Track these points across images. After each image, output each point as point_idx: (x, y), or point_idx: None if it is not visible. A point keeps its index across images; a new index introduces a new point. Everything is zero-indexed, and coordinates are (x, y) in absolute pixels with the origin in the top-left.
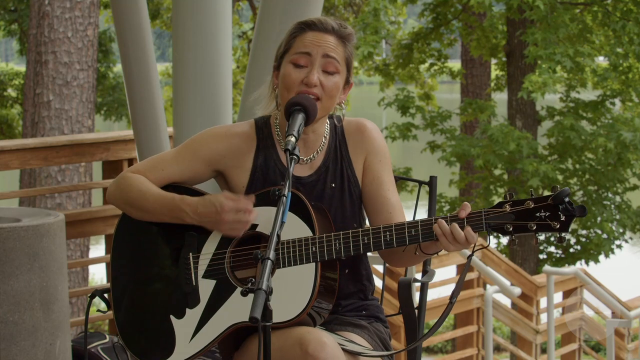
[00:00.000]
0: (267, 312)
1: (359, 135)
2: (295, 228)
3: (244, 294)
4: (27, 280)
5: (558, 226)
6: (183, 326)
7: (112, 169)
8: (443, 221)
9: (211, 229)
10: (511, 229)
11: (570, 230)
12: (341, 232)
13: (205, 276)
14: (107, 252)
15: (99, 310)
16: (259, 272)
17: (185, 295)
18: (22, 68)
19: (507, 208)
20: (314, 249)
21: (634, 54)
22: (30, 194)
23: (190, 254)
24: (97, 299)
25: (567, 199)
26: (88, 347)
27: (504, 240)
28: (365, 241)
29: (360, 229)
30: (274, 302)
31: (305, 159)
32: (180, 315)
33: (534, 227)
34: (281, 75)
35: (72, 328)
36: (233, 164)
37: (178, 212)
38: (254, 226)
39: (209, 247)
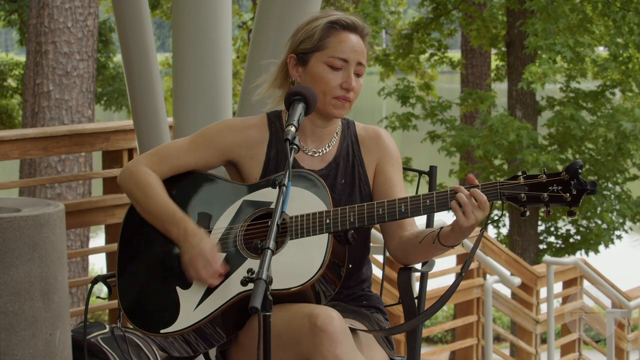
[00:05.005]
0: (267, 302)
1: (374, 141)
2: (312, 204)
3: (243, 283)
4: (27, 271)
5: (570, 199)
6: (189, 296)
7: (112, 159)
8: (463, 188)
9: (182, 262)
10: (525, 198)
11: (580, 204)
12: (356, 205)
13: None
14: (107, 242)
15: (98, 297)
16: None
17: None
18: (22, 58)
19: (521, 180)
20: (327, 220)
21: (634, 44)
22: (30, 184)
23: (202, 229)
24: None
25: (580, 171)
26: (87, 337)
27: (504, 230)
28: (380, 212)
29: (375, 202)
30: (284, 269)
31: (317, 151)
32: (186, 286)
33: (547, 198)
34: (314, 75)
35: (72, 318)
36: (247, 155)
37: (170, 227)
38: (268, 203)
39: (222, 222)
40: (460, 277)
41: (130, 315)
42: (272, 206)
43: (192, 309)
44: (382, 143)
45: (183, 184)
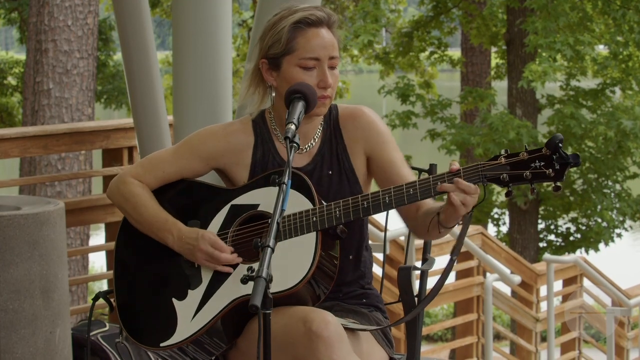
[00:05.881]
0: (267, 300)
1: (354, 123)
2: (297, 203)
3: (243, 281)
4: (27, 269)
5: (553, 174)
6: (185, 307)
7: (112, 157)
8: (445, 184)
9: (187, 257)
10: (507, 178)
11: (564, 178)
12: (341, 200)
13: None
14: (107, 240)
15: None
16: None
17: (187, 277)
18: (22, 56)
19: (502, 160)
20: (314, 218)
21: (634, 42)
22: (30, 182)
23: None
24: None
25: (560, 145)
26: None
27: (504, 228)
28: (365, 205)
29: (359, 195)
30: (275, 271)
31: (303, 148)
32: (182, 297)
33: (530, 176)
34: (289, 78)
35: (72, 316)
36: (232, 162)
37: (164, 233)
38: (256, 205)
39: (212, 229)
40: (451, 261)
41: (129, 329)
42: (260, 208)
43: (189, 319)
44: (364, 123)
45: (171, 195)
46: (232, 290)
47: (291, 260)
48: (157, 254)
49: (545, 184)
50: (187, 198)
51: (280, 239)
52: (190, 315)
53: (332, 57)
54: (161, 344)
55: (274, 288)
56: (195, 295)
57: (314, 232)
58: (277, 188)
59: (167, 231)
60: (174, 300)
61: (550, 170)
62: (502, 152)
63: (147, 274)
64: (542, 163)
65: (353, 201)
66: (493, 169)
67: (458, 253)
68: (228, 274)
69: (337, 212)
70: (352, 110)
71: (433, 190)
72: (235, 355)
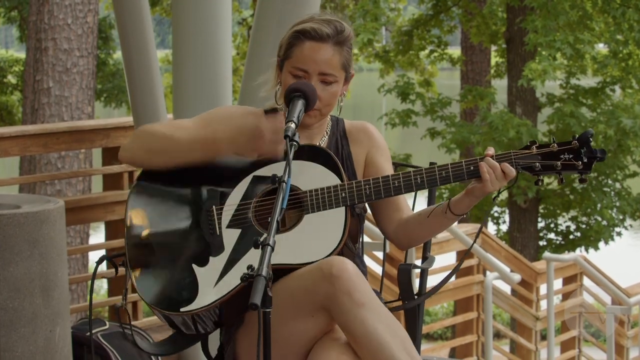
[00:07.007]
0: (267, 298)
1: (362, 133)
2: (325, 179)
3: (244, 279)
4: (26, 267)
5: (581, 166)
6: (206, 273)
7: (112, 155)
8: (490, 159)
9: (250, 155)
10: (540, 167)
11: (591, 171)
12: (371, 178)
13: (229, 226)
14: (107, 238)
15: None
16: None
17: (208, 244)
18: (22, 55)
19: (534, 150)
20: (343, 194)
21: (634, 40)
22: (30, 180)
23: (214, 206)
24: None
25: (591, 140)
26: (87, 334)
27: (504, 227)
28: (396, 184)
29: (389, 174)
30: (303, 244)
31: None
32: (203, 263)
33: (560, 167)
34: (283, 82)
35: (72, 315)
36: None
37: (211, 144)
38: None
39: (234, 199)
40: (473, 244)
41: (146, 296)
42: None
43: (211, 286)
44: (370, 134)
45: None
46: (256, 259)
47: (319, 234)
48: (175, 218)
49: (556, 178)
50: (206, 166)
51: (307, 212)
52: (213, 282)
53: (323, 73)
54: (181, 309)
55: (300, 259)
56: (217, 262)
57: (343, 209)
58: (300, 161)
59: (212, 142)
60: (194, 266)
61: (580, 162)
62: (529, 142)
63: (164, 240)
64: (571, 155)
65: (383, 179)
66: (525, 158)
67: (479, 234)
68: (250, 244)
69: (367, 189)
70: (359, 124)
71: (467, 174)
72: (244, 331)
